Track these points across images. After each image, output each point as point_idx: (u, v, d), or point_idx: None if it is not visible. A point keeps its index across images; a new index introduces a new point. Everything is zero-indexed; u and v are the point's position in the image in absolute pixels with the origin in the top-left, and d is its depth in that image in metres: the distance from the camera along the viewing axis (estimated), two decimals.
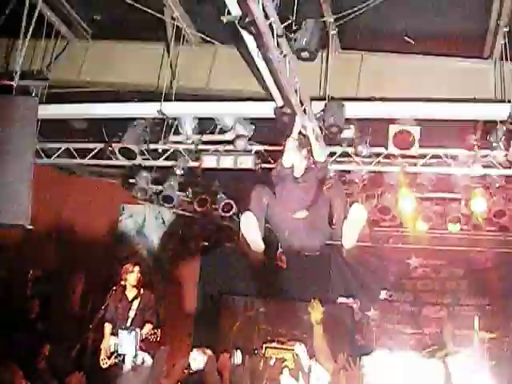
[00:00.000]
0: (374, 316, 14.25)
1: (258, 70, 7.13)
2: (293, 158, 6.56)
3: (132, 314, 9.97)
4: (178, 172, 10.63)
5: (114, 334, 9.80)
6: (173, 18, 8.15)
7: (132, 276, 10.05)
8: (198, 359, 7.18)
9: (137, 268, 10.13)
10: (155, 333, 9.84)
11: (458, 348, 11.45)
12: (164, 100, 8.38)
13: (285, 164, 6.52)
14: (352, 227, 6.03)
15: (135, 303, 10.03)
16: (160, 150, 10.27)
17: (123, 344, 9.20)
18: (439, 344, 11.93)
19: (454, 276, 14.36)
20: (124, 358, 9.20)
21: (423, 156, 10.05)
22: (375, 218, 11.70)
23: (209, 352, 7.31)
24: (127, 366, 8.94)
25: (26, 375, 5.84)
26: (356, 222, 6.07)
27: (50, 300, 11.90)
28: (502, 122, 8.38)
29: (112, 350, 9.73)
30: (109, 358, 9.72)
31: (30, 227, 5.57)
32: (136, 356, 9.07)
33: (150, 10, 7.86)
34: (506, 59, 7.85)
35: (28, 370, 6.15)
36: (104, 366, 9.63)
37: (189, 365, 7.03)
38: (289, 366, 7.60)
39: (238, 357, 8.25)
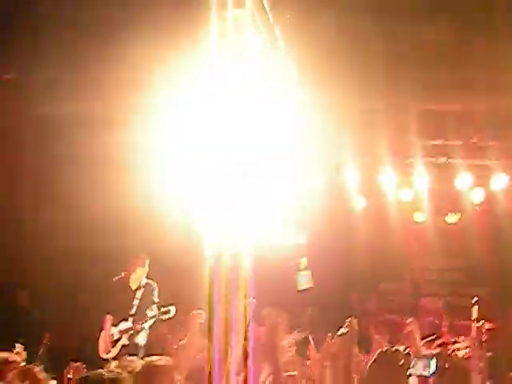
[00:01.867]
0: (372, 307, 14.29)
1: None
2: None
3: (136, 302, 10.09)
4: None
5: (116, 324, 9.94)
6: None
7: (142, 270, 10.19)
8: None
9: (147, 261, 10.24)
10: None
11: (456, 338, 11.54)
12: None
13: None
14: None
15: (139, 293, 10.14)
16: None
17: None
18: (437, 334, 12.00)
19: (453, 266, 14.40)
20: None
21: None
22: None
23: None
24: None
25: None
26: None
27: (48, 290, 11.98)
28: None
29: (115, 338, 9.87)
30: (112, 347, 9.85)
31: None
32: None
33: None
34: None
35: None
36: (105, 357, 9.73)
37: None
38: None
39: None
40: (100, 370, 3.75)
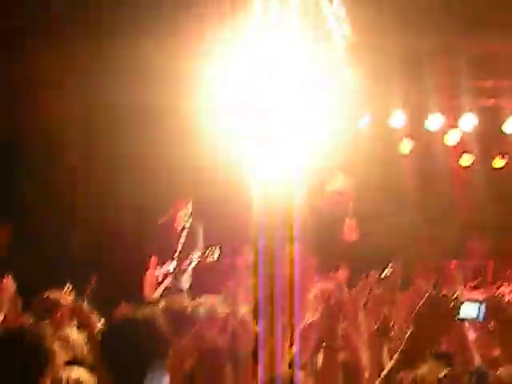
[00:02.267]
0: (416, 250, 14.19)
1: None
2: None
3: (181, 243, 10.20)
4: None
5: (160, 265, 10.07)
6: None
7: (186, 212, 10.26)
8: None
9: (190, 205, 10.30)
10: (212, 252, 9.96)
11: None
12: None
13: None
14: None
15: (183, 234, 10.24)
16: None
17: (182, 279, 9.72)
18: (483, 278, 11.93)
19: (500, 210, 14.20)
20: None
21: None
22: None
23: None
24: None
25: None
26: None
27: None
28: None
29: (160, 279, 10.01)
30: (157, 288, 10.00)
31: None
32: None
33: None
34: None
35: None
36: (150, 298, 9.87)
37: None
38: None
39: None
40: (135, 312, 3.77)
